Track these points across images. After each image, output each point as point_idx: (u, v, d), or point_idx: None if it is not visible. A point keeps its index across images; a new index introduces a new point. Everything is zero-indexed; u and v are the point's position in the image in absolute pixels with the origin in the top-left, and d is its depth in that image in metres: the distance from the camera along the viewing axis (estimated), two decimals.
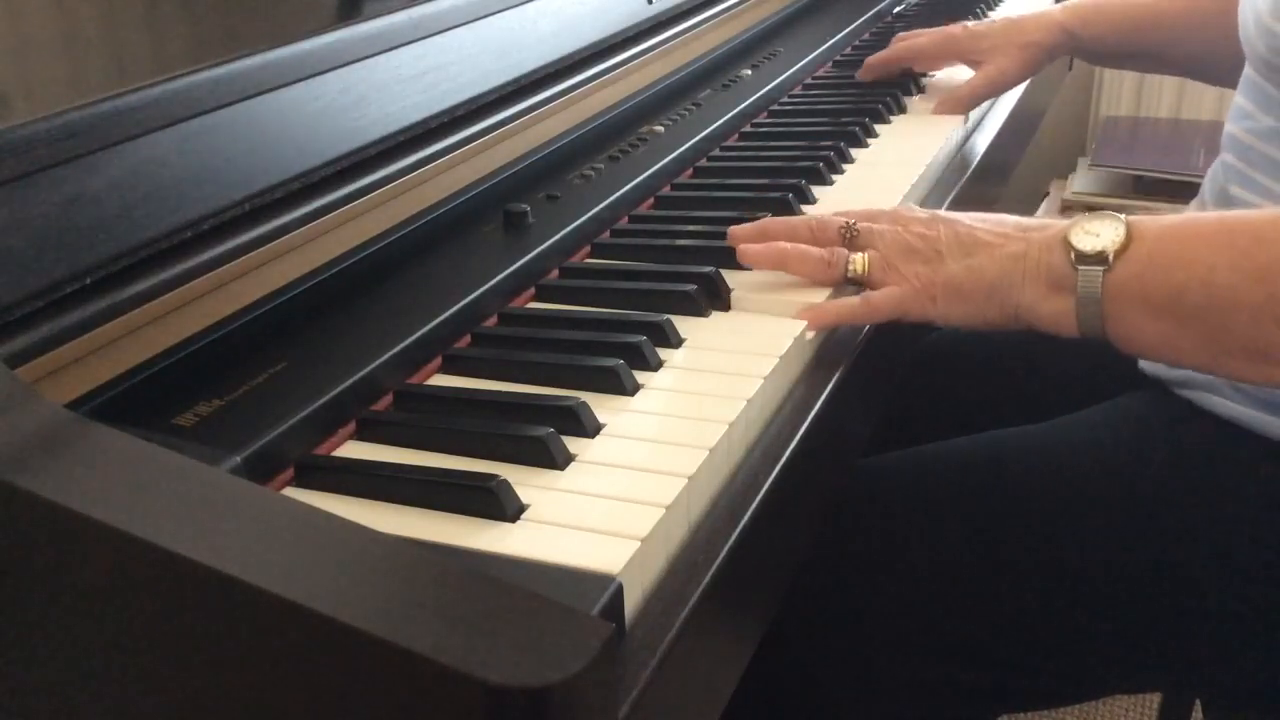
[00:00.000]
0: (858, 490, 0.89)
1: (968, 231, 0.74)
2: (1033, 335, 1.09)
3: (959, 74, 1.21)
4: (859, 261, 0.75)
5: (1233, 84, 0.95)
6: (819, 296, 0.74)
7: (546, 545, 0.51)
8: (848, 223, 0.76)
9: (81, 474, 0.45)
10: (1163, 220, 0.70)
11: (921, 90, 1.19)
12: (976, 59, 1.15)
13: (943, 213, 0.77)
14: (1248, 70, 0.85)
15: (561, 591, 0.46)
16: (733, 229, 0.79)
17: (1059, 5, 1.15)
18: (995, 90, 1.15)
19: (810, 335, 0.72)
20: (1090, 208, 1.84)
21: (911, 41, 1.19)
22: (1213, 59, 1.07)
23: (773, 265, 0.76)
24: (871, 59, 1.20)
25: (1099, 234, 0.69)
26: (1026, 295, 0.72)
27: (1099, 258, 0.69)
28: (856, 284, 0.76)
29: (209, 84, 0.65)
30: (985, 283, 0.72)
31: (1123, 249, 0.68)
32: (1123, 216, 0.70)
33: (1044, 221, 0.74)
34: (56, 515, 0.43)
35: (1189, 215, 0.71)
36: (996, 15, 1.51)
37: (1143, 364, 0.91)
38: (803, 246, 0.76)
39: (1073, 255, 0.69)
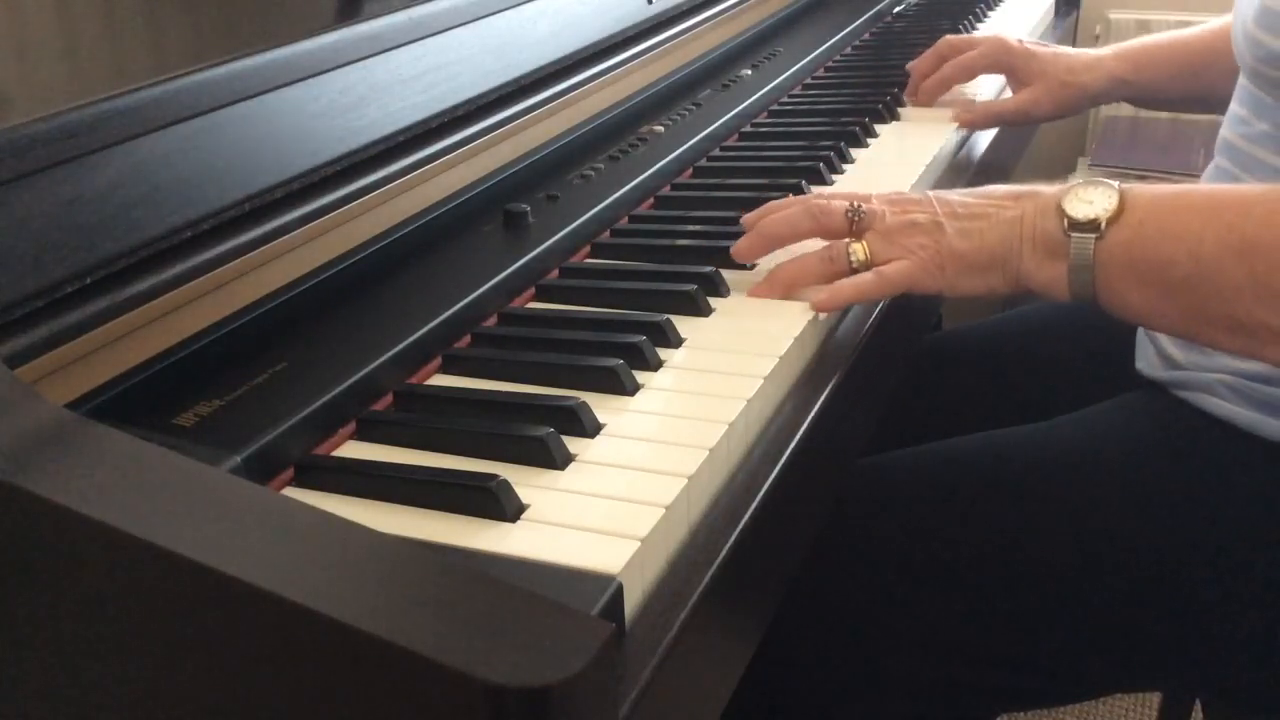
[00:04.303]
0: (858, 490, 0.89)
1: (962, 203, 0.76)
2: (1033, 335, 1.10)
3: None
4: (859, 249, 0.75)
5: None
6: (820, 292, 0.74)
7: (546, 545, 0.51)
8: (852, 205, 0.76)
9: (81, 474, 0.45)
10: (1155, 189, 0.71)
11: None
12: (1017, 79, 1.12)
13: (930, 191, 0.78)
14: (1241, 78, 0.86)
15: (561, 591, 0.46)
16: (735, 249, 0.78)
17: (1110, 51, 1.12)
18: (1024, 119, 1.12)
19: (823, 316, 0.73)
20: None
21: (964, 59, 1.14)
22: None
23: (783, 294, 0.75)
24: (927, 85, 1.15)
25: (1092, 201, 0.71)
26: (1026, 261, 0.73)
27: (1091, 225, 0.70)
28: (863, 269, 0.76)
29: (209, 84, 0.65)
30: (988, 251, 0.74)
31: (1115, 217, 0.70)
32: (1116, 184, 0.71)
33: (1034, 188, 0.75)
34: (56, 515, 0.43)
35: (1183, 186, 0.72)
36: (995, 17, 1.51)
37: (1140, 365, 0.91)
38: (801, 262, 0.76)
39: (1066, 222, 0.71)
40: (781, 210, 0.79)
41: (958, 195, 0.77)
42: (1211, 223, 0.67)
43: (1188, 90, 1.10)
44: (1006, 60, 1.12)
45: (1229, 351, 0.74)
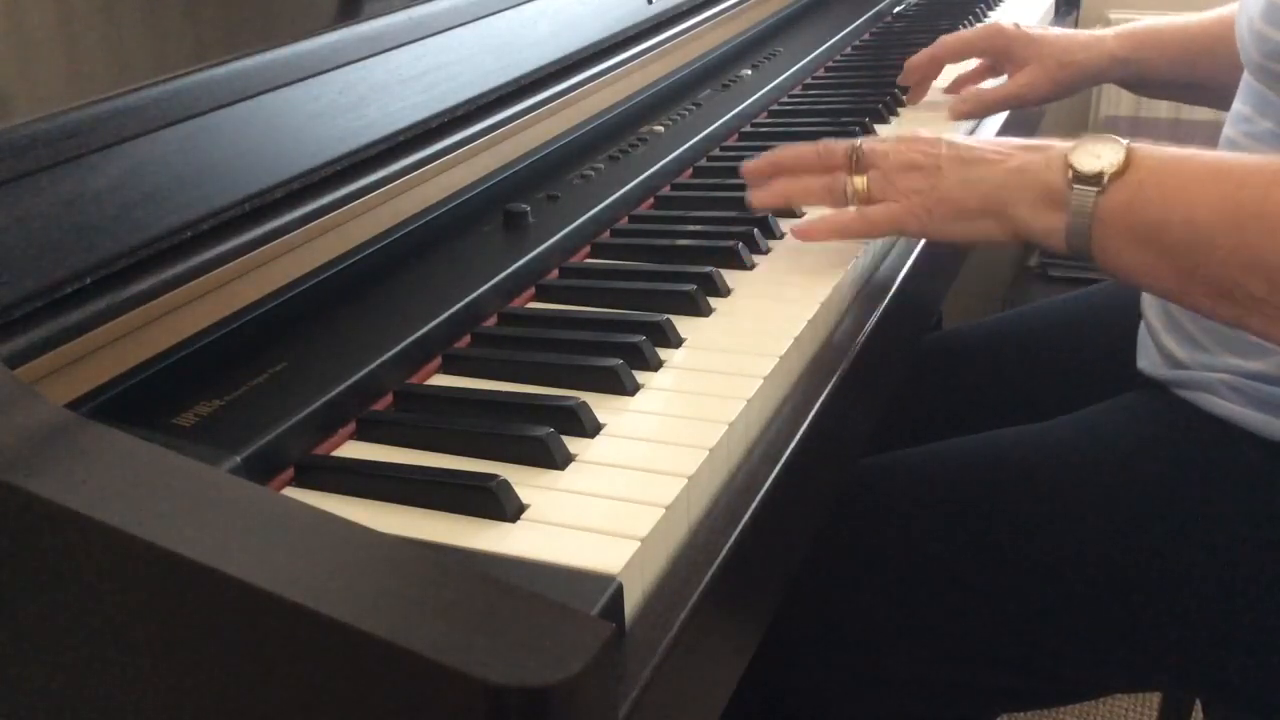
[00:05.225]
0: (858, 490, 0.89)
1: (969, 148, 0.77)
2: (1033, 335, 1.10)
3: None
4: (859, 182, 0.77)
5: None
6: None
7: (546, 545, 0.51)
8: (854, 144, 0.78)
9: (81, 474, 0.45)
10: (1163, 152, 0.71)
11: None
12: (1015, 63, 1.11)
13: (947, 135, 0.79)
14: (1246, 75, 0.85)
15: (561, 591, 0.47)
16: (745, 165, 0.82)
17: (1112, 31, 1.10)
18: (1019, 102, 1.11)
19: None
20: None
21: (957, 36, 1.14)
22: None
23: (780, 203, 0.79)
24: (912, 61, 1.15)
25: (1100, 155, 0.71)
26: (1022, 209, 0.73)
27: (1095, 179, 0.70)
28: (863, 205, 0.78)
29: (209, 84, 0.65)
30: (980, 195, 0.74)
31: (1119, 173, 0.70)
32: (1125, 141, 0.71)
33: (1048, 142, 0.75)
34: (56, 515, 0.43)
35: (1190, 150, 0.72)
36: (995, 17, 1.51)
37: (1142, 364, 0.91)
38: (804, 180, 0.79)
39: (1071, 174, 0.71)
40: (794, 150, 0.83)
41: (971, 139, 0.78)
42: (1209, 189, 0.68)
43: (1186, 76, 1.09)
44: (1002, 43, 1.11)
45: (1215, 318, 0.75)
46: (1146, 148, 0.71)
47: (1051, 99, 1.11)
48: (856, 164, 0.78)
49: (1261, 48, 0.78)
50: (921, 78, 1.16)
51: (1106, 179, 0.70)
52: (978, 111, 1.11)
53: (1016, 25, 1.12)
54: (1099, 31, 1.11)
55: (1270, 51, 0.78)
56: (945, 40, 1.14)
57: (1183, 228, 0.68)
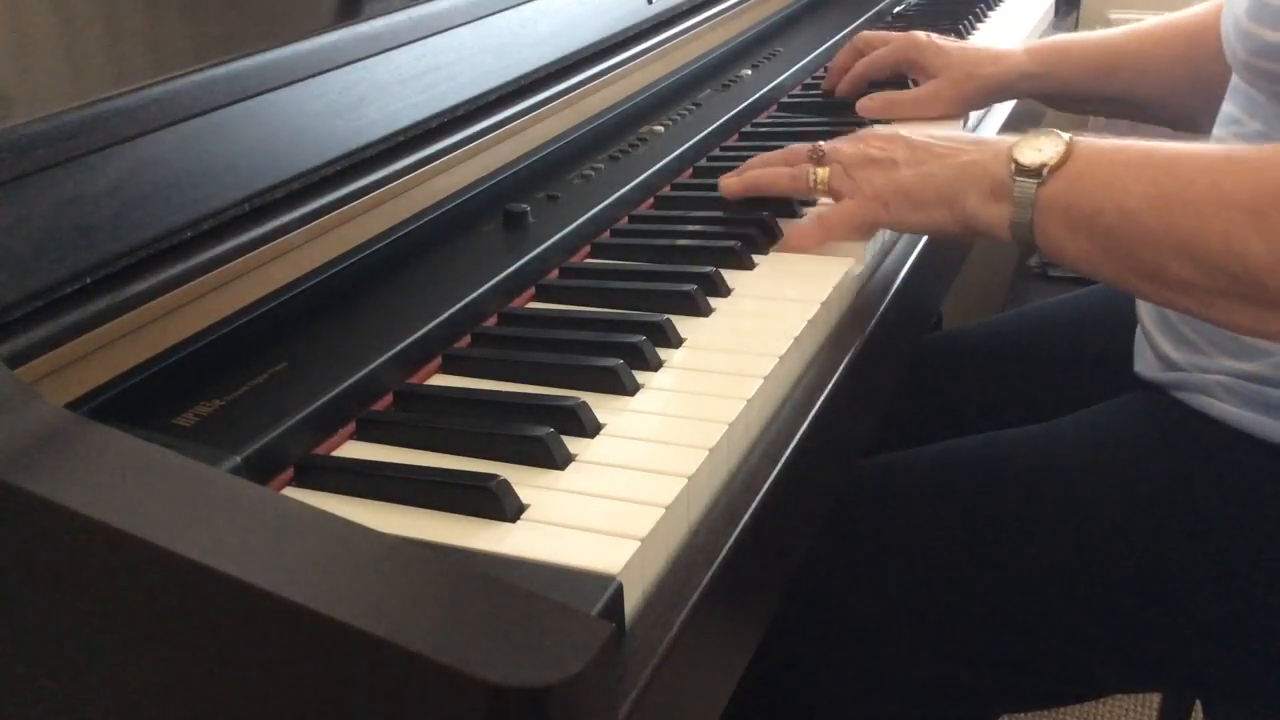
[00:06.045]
0: (858, 490, 0.89)
1: (923, 144, 0.80)
2: (1033, 335, 1.10)
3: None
4: (821, 173, 0.82)
5: (1193, 128, 1.00)
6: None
7: (546, 545, 0.51)
8: (815, 145, 0.84)
9: (81, 474, 0.45)
10: (1101, 143, 0.74)
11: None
12: (925, 73, 1.11)
13: (904, 130, 0.83)
14: (1234, 77, 0.85)
15: (561, 591, 0.46)
16: (722, 177, 0.88)
17: (1024, 46, 1.11)
18: (921, 111, 1.10)
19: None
20: None
21: (874, 56, 1.14)
22: (1178, 102, 1.05)
23: (749, 191, 0.86)
24: (840, 89, 1.15)
25: (1041, 149, 0.74)
26: (971, 200, 0.76)
27: (1036, 171, 0.73)
28: (826, 197, 0.84)
29: (209, 84, 0.65)
30: (933, 187, 0.78)
31: (1058, 165, 0.73)
32: (1067, 135, 0.74)
33: (999, 137, 0.79)
34: (56, 515, 0.43)
35: (1128, 141, 0.74)
36: (994, 17, 1.51)
37: (1138, 367, 0.91)
38: (772, 171, 0.85)
39: (1014, 167, 0.74)
40: (762, 155, 0.89)
41: (924, 135, 0.81)
42: (1140, 177, 0.70)
43: (1102, 90, 1.10)
44: (915, 55, 1.12)
45: (1150, 301, 0.78)
46: (1087, 140, 0.74)
47: (960, 111, 1.11)
48: (818, 161, 0.83)
49: (1248, 45, 0.78)
50: (841, 74, 1.16)
51: (1046, 171, 0.73)
52: (881, 111, 1.10)
53: (929, 36, 1.12)
54: (1014, 47, 1.12)
55: (1257, 49, 0.78)
56: (863, 62, 1.14)
57: (1115, 214, 0.71)
